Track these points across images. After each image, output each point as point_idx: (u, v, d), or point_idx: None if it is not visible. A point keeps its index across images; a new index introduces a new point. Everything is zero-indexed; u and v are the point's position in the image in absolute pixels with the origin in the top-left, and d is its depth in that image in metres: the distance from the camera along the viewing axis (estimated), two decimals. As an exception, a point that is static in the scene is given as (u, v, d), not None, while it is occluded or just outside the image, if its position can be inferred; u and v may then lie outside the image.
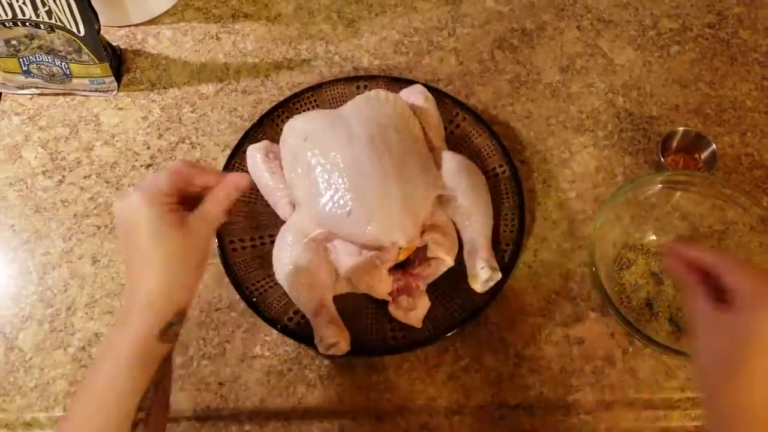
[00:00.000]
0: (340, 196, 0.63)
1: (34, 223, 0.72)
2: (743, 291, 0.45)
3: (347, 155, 0.64)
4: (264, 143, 0.71)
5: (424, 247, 0.65)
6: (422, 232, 0.65)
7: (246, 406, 0.63)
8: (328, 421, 0.63)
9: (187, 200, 0.50)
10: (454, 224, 0.67)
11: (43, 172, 0.75)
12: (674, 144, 0.75)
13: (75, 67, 0.78)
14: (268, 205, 0.70)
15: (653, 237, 0.70)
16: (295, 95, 0.77)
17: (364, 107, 0.70)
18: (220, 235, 0.67)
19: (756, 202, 0.64)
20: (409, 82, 0.77)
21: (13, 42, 0.75)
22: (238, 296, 0.65)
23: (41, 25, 0.73)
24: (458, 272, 0.66)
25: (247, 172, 0.71)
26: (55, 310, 0.67)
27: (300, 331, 0.63)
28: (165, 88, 0.81)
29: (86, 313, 0.67)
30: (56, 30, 0.74)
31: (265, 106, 0.78)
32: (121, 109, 0.80)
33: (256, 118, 0.75)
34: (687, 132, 0.74)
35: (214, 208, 0.49)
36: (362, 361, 0.64)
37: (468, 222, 0.66)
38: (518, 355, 0.65)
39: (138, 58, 0.83)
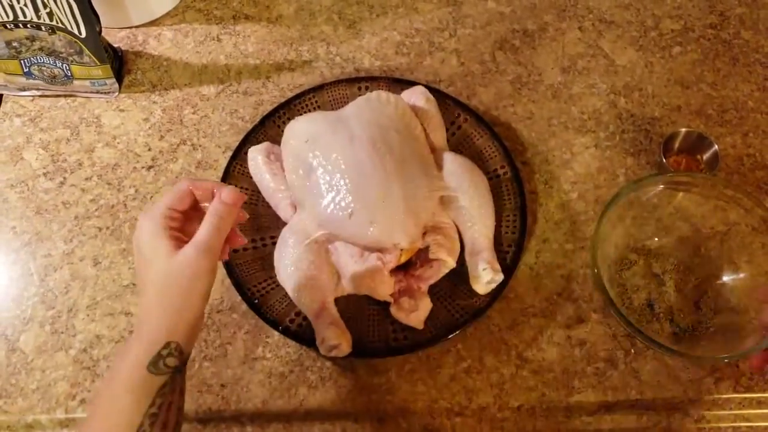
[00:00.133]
0: (341, 197, 0.63)
1: (36, 224, 0.72)
2: None
3: (349, 157, 0.64)
4: (265, 145, 0.71)
5: (426, 249, 0.65)
6: (424, 234, 0.65)
7: (248, 407, 0.63)
8: (329, 422, 0.63)
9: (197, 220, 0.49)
10: (456, 226, 0.67)
11: (45, 174, 0.75)
12: (676, 145, 0.75)
13: (76, 69, 0.78)
14: (270, 207, 0.70)
15: (656, 239, 0.69)
16: (297, 96, 0.76)
17: (366, 109, 0.70)
18: (221, 236, 0.67)
19: (758, 203, 0.64)
20: (411, 83, 0.77)
21: (15, 44, 0.75)
22: (239, 298, 0.65)
23: (42, 27, 0.73)
24: (460, 274, 0.66)
25: (248, 173, 0.71)
26: (56, 312, 0.67)
27: (302, 332, 0.63)
28: (166, 89, 0.81)
29: (87, 315, 0.67)
30: (57, 31, 0.74)
31: (267, 108, 0.78)
32: (122, 110, 0.80)
33: (258, 120, 0.75)
34: (689, 133, 0.74)
35: (205, 235, 0.48)
36: (364, 363, 0.64)
37: (470, 223, 0.66)
38: (520, 357, 0.65)
39: (139, 59, 0.83)
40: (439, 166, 0.69)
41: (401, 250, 0.63)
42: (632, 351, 0.65)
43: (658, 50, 0.84)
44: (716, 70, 0.82)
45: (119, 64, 0.82)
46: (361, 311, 0.65)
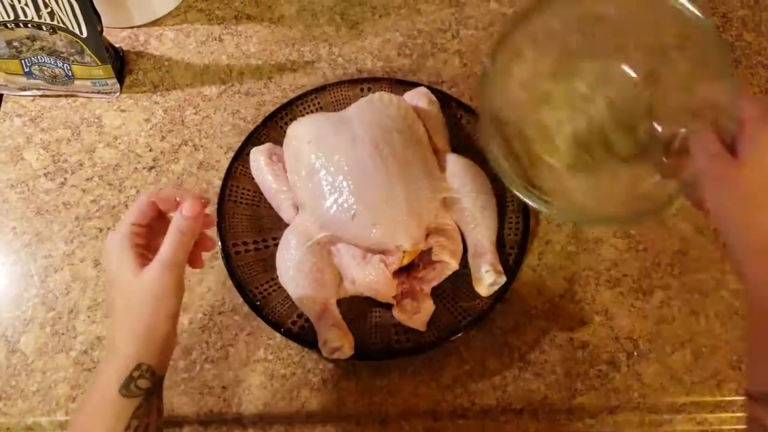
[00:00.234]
0: (344, 199, 0.63)
1: (36, 225, 0.72)
2: (752, 117, 0.44)
3: (351, 158, 0.64)
4: (267, 146, 0.71)
5: (429, 251, 0.65)
6: (427, 235, 0.65)
7: (249, 410, 0.62)
8: (331, 425, 0.63)
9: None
10: (459, 227, 0.67)
11: (45, 174, 0.75)
12: (677, 146, 0.74)
13: (77, 69, 0.77)
14: (272, 208, 0.70)
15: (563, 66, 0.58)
16: (299, 97, 0.76)
17: (368, 110, 0.69)
18: (223, 238, 0.67)
19: None
20: (413, 85, 0.77)
21: (15, 43, 0.75)
22: (241, 299, 0.65)
23: (43, 27, 0.73)
24: (463, 275, 0.66)
25: (250, 174, 0.71)
26: (57, 313, 0.67)
27: (303, 334, 0.63)
28: (168, 89, 0.81)
29: (88, 317, 0.67)
30: (58, 31, 0.73)
31: (269, 108, 0.78)
32: (123, 110, 0.79)
33: (260, 120, 0.75)
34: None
35: (169, 251, 0.47)
36: (366, 365, 0.64)
37: (473, 225, 0.66)
38: (522, 359, 0.65)
39: (140, 59, 0.83)
40: (442, 167, 0.69)
41: (404, 251, 0.63)
42: (635, 353, 0.65)
43: None
44: (719, 72, 0.82)
45: (120, 64, 0.81)
46: (364, 313, 0.65)
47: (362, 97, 0.73)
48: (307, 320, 0.63)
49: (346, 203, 0.63)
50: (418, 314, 0.63)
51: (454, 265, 0.65)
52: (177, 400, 0.62)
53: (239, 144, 0.73)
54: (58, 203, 0.73)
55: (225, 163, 0.73)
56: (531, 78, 0.58)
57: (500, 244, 0.67)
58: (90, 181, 0.75)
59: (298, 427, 0.62)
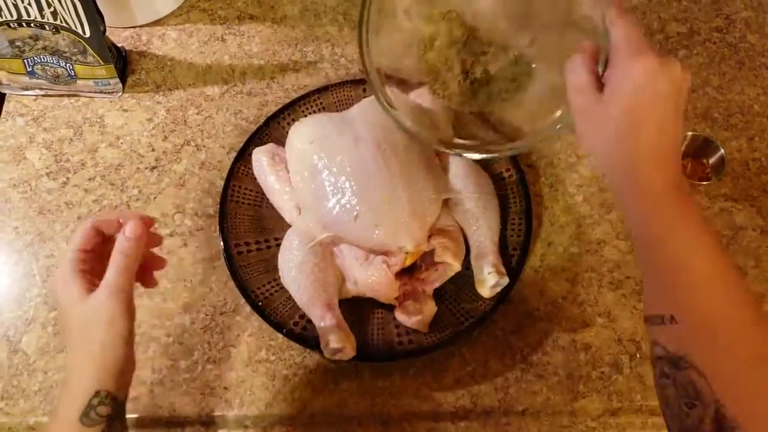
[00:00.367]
0: (346, 200, 0.62)
1: (38, 225, 0.72)
2: (620, 47, 0.45)
3: (354, 159, 0.64)
4: (270, 146, 0.71)
5: (431, 252, 0.65)
6: (429, 237, 0.65)
7: (251, 410, 0.62)
8: (333, 426, 0.62)
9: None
10: (461, 228, 0.67)
11: (47, 174, 0.75)
12: (682, 149, 0.74)
13: (80, 69, 0.77)
14: (274, 209, 0.70)
15: None
16: (301, 98, 0.76)
17: (371, 110, 0.69)
18: (225, 238, 0.67)
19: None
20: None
21: (18, 43, 0.75)
22: (243, 300, 0.65)
23: (46, 26, 0.73)
24: (465, 277, 0.65)
25: (252, 175, 0.71)
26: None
27: (305, 335, 0.63)
28: (170, 89, 0.81)
29: (90, 316, 0.66)
30: (61, 31, 0.73)
31: (271, 109, 0.78)
32: (125, 110, 0.79)
33: (262, 121, 0.75)
34: (695, 137, 0.74)
35: (113, 276, 0.47)
36: (368, 366, 0.64)
37: (475, 226, 0.66)
38: (525, 361, 0.64)
39: (143, 59, 0.83)
40: (445, 168, 0.69)
41: (406, 253, 0.63)
42: (637, 355, 0.65)
43: (664, 53, 0.84)
44: (722, 74, 0.82)
45: (123, 63, 0.81)
46: (366, 314, 0.65)
47: (365, 97, 0.73)
48: (309, 321, 0.63)
49: (348, 204, 0.62)
50: (420, 315, 0.63)
51: (456, 266, 0.65)
52: (179, 400, 0.62)
53: (241, 144, 0.73)
54: (61, 203, 0.73)
55: (227, 164, 0.73)
56: (411, 10, 0.58)
57: (503, 246, 0.67)
58: (92, 181, 0.75)
59: (300, 428, 0.62)
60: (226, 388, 0.63)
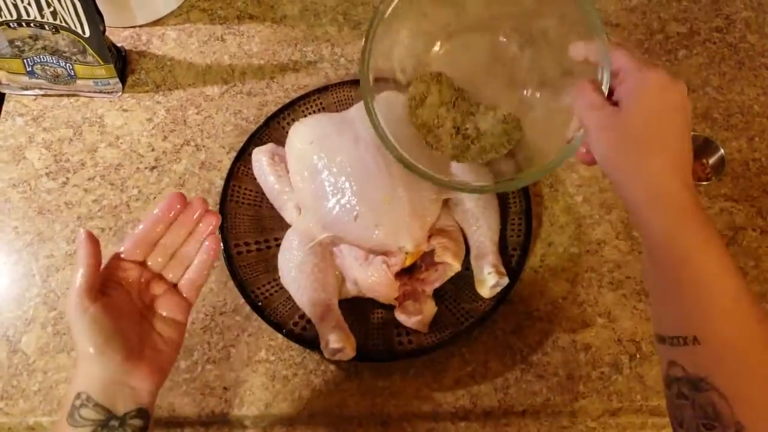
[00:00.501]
0: (346, 200, 0.62)
1: (38, 225, 0.72)
2: (627, 66, 0.46)
3: (354, 159, 0.64)
4: (269, 146, 0.71)
5: (431, 252, 0.65)
6: (429, 237, 0.65)
7: (251, 411, 0.62)
8: (333, 426, 0.62)
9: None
10: (461, 229, 0.67)
11: (47, 174, 0.75)
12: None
13: (79, 68, 0.77)
14: (274, 209, 0.70)
15: (435, 47, 0.61)
16: (301, 98, 0.76)
17: (371, 110, 0.69)
18: (225, 238, 0.67)
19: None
20: (416, 85, 0.76)
21: (18, 43, 0.75)
22: (242, 300, 0.65)
23: (46, 26, 0.73)
24: (465, 277, 0.65)
25: (252, 175, 0.71)
26: (58, 313, 0.67)
27: (305, 335, 0.63)
28: (170, 89, 0.81)
29: (90, 316, 0.66)
30: (61, 31, 0.73)
31: (271, 108, 0.78)
32: (125, 110, 0.79)
33: (262, 121, 0.75)
34: (695, 137, 0.74)
35: (73, 290, 0.46)
36: (368, 366, 0.64)
37: (475, 227, 0.66)
38: (525, 361, 0.64)
39: (143, 59, 0.83)
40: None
41: (406, 253, 0.63)
42: (637, 356, 0.65)
43: (664, 53, 0.84)
44: (722, 74, 0.82)
45: (123, 63, 0.81)
46: (366, 315, 0.65)
47: (365, 97, 0.73)
48: (309, 321, 0.63)
49: (348, 204, 0.62)
50: (420, 316, 0.63)
51: (456, 266, 0.65)
52: (178, 400, 0.62)
53: (241, 144, 0.73)
54: (60, 203, 0.73)
55: (227, 164, 0.73)
56: (406, 67, 0.60)
57: (503, 246, 0.67)
58: (92, 181, 0.74)
59: (300, 429, 0.62)
60: (225, 389, 0.63)
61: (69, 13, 0.71)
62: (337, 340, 0.59)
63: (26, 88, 0.80)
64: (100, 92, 0.80)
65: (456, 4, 0.60)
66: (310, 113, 0.75)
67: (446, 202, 0.67)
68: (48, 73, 0.78)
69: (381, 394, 0.63)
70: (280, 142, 0.72)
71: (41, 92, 0.80)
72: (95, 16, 0.72)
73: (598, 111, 0.46)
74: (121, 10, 0.83)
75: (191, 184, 0.74)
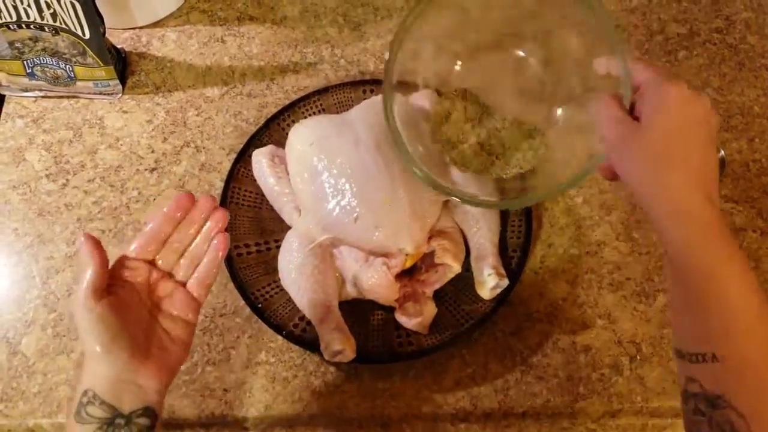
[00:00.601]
0: (346, 201, 0.62)
1: (38, 226, 0.72)
2: (648, 80, 0.46)
3: (354, 160, 0.64)
4: (269, 147, 0.71)
5: (431, 254, 0.65)
6: (429, 238, 0.65)
7: (251, 412, 0.62)
8: (333, 428, 0.62)
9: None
10: (461, 230, 0.67)
11: (47, 176, 0.75)
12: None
13: (79, 70, 0.77)
14: (274, 210, 0.70)
15: (458, 65, 0.62)
16: (301, 99, 0.76)
17: (371, 112, 0.69)
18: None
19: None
20: (415, 87, 0.76)
21: (17, 44, 0.75)
22: (242, 302, 0.65)
23: (46, 28, 0.73)
24: (465, 278, 0.65)
25: (252, 176, 0.71)
26: (58, 314, 0.67)
27: (305, 337, 0.63)
28: (170, 91, 0.81)
29: (90, 318, 0.66)
30: (61, 32, 0.73)
31: (271, 110, 0.78)
32: (125, 112, 0.79)
33: (262, 122, 0.75)
34: (695, 138, 0.74)
35: (79, 288, 0.46)
36: (368, 368, 0.64)
37: (475, 228, 0.66)
38: (525, 363, 0.64)
39: (143, 60, 0.83)
40: (445, 170, 0.69)
41: (406, 254, 0.63)
42: (638, 357, 0.65)
43: (664, 54, 0.84)
44: (722, 75, 0.82)
45: (123, 65, 0.81)
46: (366, 316, 0.65)
47: (365, 99, 0.73)
48: (309, 323, 0.63)
49: (348, 206, 0.62)
50: (420, 317, 0.63)
51: (456, 268, 0.65)
52: (178, 402, 0.62)
53: (241, 146, 0.73)
54: (60, 204, 0.73)
55: (227, 165, 0.73)
56: (430, 82, 0.62)
57: (503, 247, 0.67)
58: (92, 183, 0.74)
59: (300, 430, 0.62)
60: (225, 390, 0.63)
61: (69, 14, 0.71)
62: (337, 342, 0.59)
63: (26, 90, 0.80)
64: (100, 94, 0.80)
65: (479, 21, 0.60)
66: (310, 115, 0.75)
67: (446, 204, 0.67)
68: (48, 74, 0.78)
69: (381, 395, 0.63)
70: (280, 143, 0.72)
71: (41, 94, 0.80)
72: (95, 18, 0.73)
73: (621, 125, 0.46)
74: (120, 12, 0.83)
75: (191, 185, 0.74)
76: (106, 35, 0.76)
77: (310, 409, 0.62)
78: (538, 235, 0.71)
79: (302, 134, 0.68)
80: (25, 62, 0.77)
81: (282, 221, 0.69)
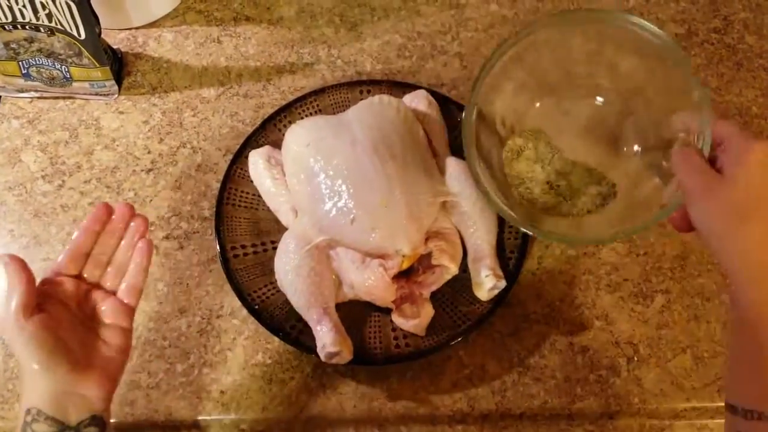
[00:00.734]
0: (343, 203, 0.62)
1: (34, 228, 0.72)
2: (732, 135, 0.46)
3: (350, 161, 0.64)
4: (266, 148, 0.71)
5: (428, 255, 0.65)
6: (426, 239, 0.65)
7: (247, 414, 0.62)
8: (330, 429, 0.62)
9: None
10: (459, 231, 0.67)
11: (43, 177, 0.75)
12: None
13: (75, 71, 0.77)
14: (270, 211, 0.69)
15: (538, 104, 0.65)
16: (298, 100, 0.76)
17: (367, 113, 0.69)
18: (221, 241, 0.67)
19: None
20: (413, 87, 0.76)
21: (13, 45, 0.75)
22: (239, 303, 0.64)
23: (41, 29, 0.73)
24: (462, 280, 0.65)
25: (248, 177, 0.71)
26: (54, 316, 0.66)
27: (302, 339, 0.62)
28: (166, 91, 0.80)
29: (86, 320, 0.66)
30: (56, 33, 0.73)
31: (267, 111, 0.77)
32: (121, 112, 0.79)
33: (258, 123, 0.75)
34: (693, 138, 0.74)
35: (8, 310, 0.46)
36: (365, 370, 0.64)
37: (472, 229, 0.66)
38: (522, 364, 0.64)
39: (139, 61, 0.83)
40: (442, 170, 0.69)
41: (403, 256, 0.62)
42: (635, 358, 0.65)
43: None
44: (720, 75, 0.82)
45: (119, 66, 0.81)
46: (363, 318, 0.64)
47: (362, 99, 0.73)
48: (306, 325, 0.62)
49: (345, 207, 0.62)
50: (417, 319, 0.62)
51: (453, 269, 0.65)
52: (175, 404, 0.62)
53: (238, 146, 0.73)
54: (56, 206, 0.73)
55: (223, 166, 0.73)
56: (507, 118, 0.64)
57: (500, 248, 0.67)
58: (88, 184, 0.74)
59: (297, 432, 0.62)
60: (222, 392, 0.63)
61: (64, 15, 0.71)
62: (333, 344, 0.59)
63: (22, 91, 0.80)
64: (96, 94, 0.80)
65: (562, 67, 0.63)
66: (306, 115, 0.75)
67: (443, 205, 0.67)
68: (43, 75, 0.77)
69: (378, 397, 0.63)
70: (277, 144, 0.71)
71: (37, 95, 0.80)
72: (91, 19, 0.72)
73: (702, 175, 0.46)
74: (116, 12, 0.83)
75: (187, 186, 0.74)
76: (102, 36, 0.76)
77: (307, 410, 0.62)
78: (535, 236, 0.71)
79: (299, 135, 0.68)
80: (20, 63, 0.76)
81: (278, 222, 0.69)
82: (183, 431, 0.63)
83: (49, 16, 0.71)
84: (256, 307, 0.64)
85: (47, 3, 0.70)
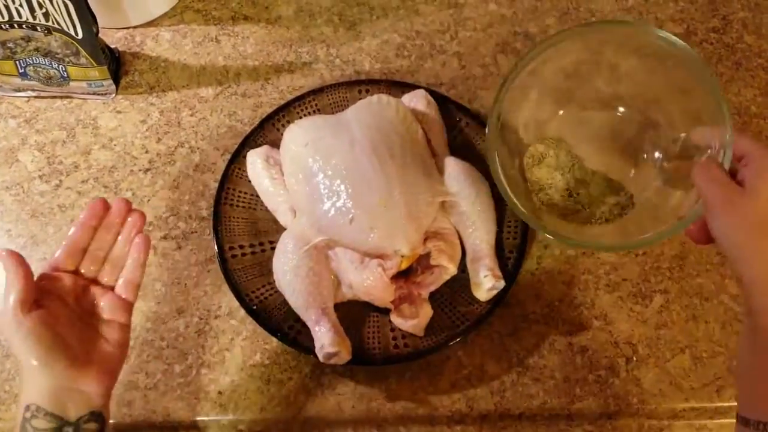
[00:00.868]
0: (341, 203, 0.62)
1: (31, 228, 0.71)
2: (753, 149, 0.46)
3: (349, 161, 0.64)
4: (264, 148, 0.71)
5: (427, 255, 0.65)
6: (425, 240, 0.64)
7: (245, 415, 0.62)
8: (329, 430, 0.62)
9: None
10: (457, 231, 0.67)
11: (40, 177, 0.74)
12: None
13: (72, 70, 0.77)
14: (268, 211, 0.69)
15: (561, 113, 0.66)
16: (296, 99, 0.76)
17: (366, 112, 0.69)
18: (219, 241, 0.67)
19: None
20: (411, 87, 0.76)
21: (10, 44, 0.74)
22: (237, 303, 0.64)
23: (38, 28, 0.72)
24: (461, 280, 0.65)
25: (247, 177, 0.70)
26: (51, 317, 0.66)
27: (300, 339, 0.62)
28: (164, 91, 0.80)
29: (83, 320, 0.66)
30: (53, 32, 0.73)
31: (266, 110, 0.77)
32: (119, 112, 0.79)
33: (257, 122, 0.74)
34: (692, 138, 0.74)
35: (6, 307, 0.47)
36: (364, 370, 0.63)
37: (471, 229, 0.66)
38: (521, 364, 0.64)
39: (136, 60, 0.82)
40: (441, 170, 0.68)
41: (402, 256, 0.62)
42: (634, 358, 0.65)
43: (661, 54, 0.84)
44: (719, 75, 0.82)
45: (116, 65, 0.81)
46: (361, 318, 0.64)
47: (360, 99, 0.73)
48: (304, 325, 0.62)
49: (343, 207, 0.62)
50: (416, 319, 0.62)
51: (452, 269, 0.65)
52: (173, 405, 0.62)
53: (236, 146, 0.73)
54: (53, 206, 0.73)
55: (221, 166, 0.73)
56: (530, 125, 0.64)
57: (499, 248, 0.67)
58: (85, 183, 0.74)
59: (295, 433, 0.62)
60: (220, 393, 0.63)
61: (61, 14, 0.71)
62: (332, 344, 0.59)
63: (19, 90, 0.79)
64: (94, 94, 0.79)
65: (586, 80, 0.63)
66: (305, 115, 0.75)
67: (442, 205, 0.67)
68: (41, 74, 0.77)
69: (376, 397, 0.62)
70: (275, 144, 0.71)
71: (34, 94, 0.79)
72: (88, 18, 0.72)
73: (724, 188, 0.46)
74: (114, 12, 0.83)
75: (185, 186, 0.73)
76: (100, 35, 0.76)
77: (306, 411, 0.62)
78: (534, 235, 0.70)
79: (297, 135, 0.67)
80: (17, 62, 0.76)
81: (277, 222, 0.69)
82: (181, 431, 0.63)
83: (46, 15, 0.71)
84: (254, 307, 0.64)
85: (44, 2, 0.70)
